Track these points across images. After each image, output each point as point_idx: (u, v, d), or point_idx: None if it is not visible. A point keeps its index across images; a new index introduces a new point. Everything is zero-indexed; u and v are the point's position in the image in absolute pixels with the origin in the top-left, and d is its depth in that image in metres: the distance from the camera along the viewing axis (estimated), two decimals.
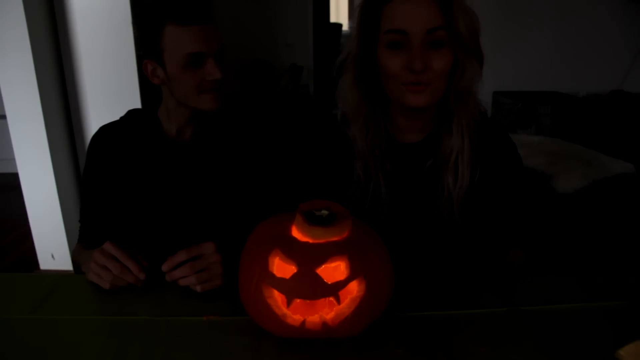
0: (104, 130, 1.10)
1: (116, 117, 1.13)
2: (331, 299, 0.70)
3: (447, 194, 0.97)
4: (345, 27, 5.95)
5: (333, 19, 5.74)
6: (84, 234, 1.12)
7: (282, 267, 0.71)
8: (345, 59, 0.97)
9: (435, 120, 0.99)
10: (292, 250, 0.71)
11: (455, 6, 0.85)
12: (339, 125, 1.03)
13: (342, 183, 1.02)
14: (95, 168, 1.09)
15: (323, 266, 0.70)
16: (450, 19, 0.85)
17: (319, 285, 0.69)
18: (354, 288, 0.71)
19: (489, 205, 1.00)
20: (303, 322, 0.71)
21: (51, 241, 2.27)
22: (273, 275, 0.71)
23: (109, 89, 2.15)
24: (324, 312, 0.71)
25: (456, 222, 0.97)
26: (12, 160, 2.17)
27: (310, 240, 0.72)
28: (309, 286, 0.70)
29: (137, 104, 2.14)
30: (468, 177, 0.96)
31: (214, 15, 0.98)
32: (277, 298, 0.71)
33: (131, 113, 1.14)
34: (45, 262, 2.31)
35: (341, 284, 0.70)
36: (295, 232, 0.74)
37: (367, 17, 0.91)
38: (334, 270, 0.70)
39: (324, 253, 0.70)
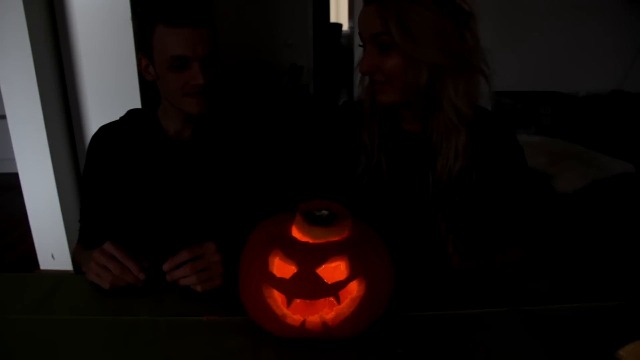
0: (104, 130, 1.10)
1: (116, 117, 1.13)
2: (331, 299, 0.70)
3: (437, 181, 1.00)
4: (345, 27, 5.94)
5: (333, 19, 5.74)
6: (84, 234, 1.12)
7: (282, 267, 0.71)
8: None
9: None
10: (292, 250, 0.71)
11: (389, 13, 0.87)
12: (339, 113, 1.07)
13: (342, 170, 1.04)
14: (95, 168, 1.09)
15: (323, 266, 0.70)
16: (386, 24, 0.88)
17: (319, 285, 0.69)
18: (354, 288, 0.71)
19: (488, 199, 1.02)
20: (303, 322, 0.71)
21: (51, 241, 2.27)
22: (273, 275, 0.71)
23: (109, 89, 2.15)
24: (324, 312, 0.71)
25: (455, 212, 0.99)
26: (12, 160, 2.17)
27: (310, 240, 0.72)
28: (309, 286, 0.70)
29: (137, 104, 2.14)
30: (452, 174, 0.98)
31: (208, 19, 0.97)
32: (277, 298, 0.71)
33: (131, 113, 1.14)
34: (45, 262, 2.31)
35: (341, 284, 0.70)
36: (295, 232, 0.74)
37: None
38: (334, 270, 0.70)
39: (324, 253, 0.70)
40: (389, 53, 0.90)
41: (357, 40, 1.01)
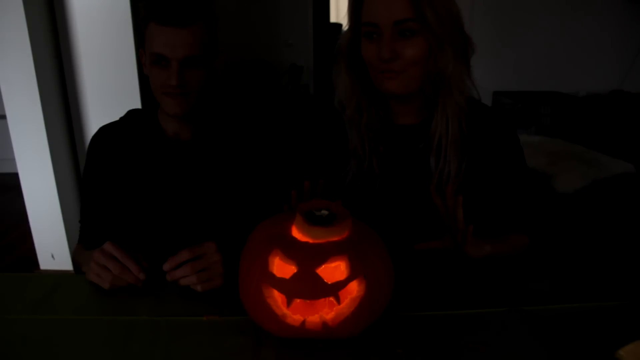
0: (104, 130, 1.10)
1: (116, 117, 1.13)
2: (331, 299, 0.70)
3: (435, 176, 0.99)
4: (345, 27, 5.93)
5: (333, 19, 5.73)
6: (84, 235, 1.12)
7: (282, 267, 0.71)
8: (339, 49, 1.01)
9: (428, 106, 1.01)
10: (292, 250, 0.71)
11: None
12: (336, 112, 1.05)
13: (339, 169, 1.04)
14: (95, 168, 1.09)
15: (323, 266, 0.70)
16: (419, 9, 0.87)
17: (319, 285, 0.69)
18: (354, 288, 0.71)
19: (486, 193, 1.02)
20: (303, 322, 0.71)
21: (51, 241, 2.27)
22: (273, 275, 0.71)
23: (109, 89, 2.15)
24: (324, 312, 0.71)
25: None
26: (12, 160, 2.17)
27: (310, 240, 0.72)
28: (309, 286, 0.70)
29: (137, 104, 2.14)
30: (455, 162, 0.98)
31: (198, 20, 0.96)
32: (277, 298, 0.71)
33: (131, 113, 1.14)
34: (45, 262, 2.31)
35: (341, 284, 0.70)
36: (295, 232, 0.74)
37: (353, 10, 0.96)
38: (334, 270, 0.70)
39: (324, 253, 0.70)
40: (412, 39, 0.89)
41: None
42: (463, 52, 0.95)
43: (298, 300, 0.71)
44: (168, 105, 1.01)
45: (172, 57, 0.95)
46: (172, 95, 0.99)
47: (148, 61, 1.00)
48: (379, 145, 1.01)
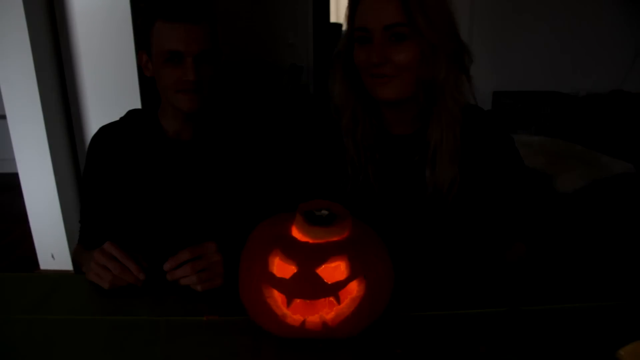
0: (104, 130, 1.10)
1: (116, 117, 1.13)
2: (331, 299, 0.70)
3: (429, 187, 0.98)
4: (345, 27, 5.92)
5: (333, 19, 5.73)
6: (84, 235, 1.12)
7: (282, 267, 0.71)
8: (336, 55, 1.00)
9: (423, 116, 1.00)
10: (292, 250, 0.71)
11: (412, 3, 0.86)
12: (333, 118, 1.04)
13: (337, 176, 1.03)
14: (95, 169, 1.09)
15: (323, 266, 0.70)
16: (409, 14, 0.86)
17: (319, 285, 0.69)
18: (354, 288, 0.71)
19: (484, 199, 1.01)
20: (303, 322, 0.71)
21: (51, 241, 2.27)
22: (273, 275, 0.71)
23: (109, 89, 2.15)
24: (324, 312, 0.71)
25: (447, 215, 0.98)
26: (12, 160, 2.17)
27: (310, 240, 0.72)
28: (309, 286, 0.70)
29: (137, 104, 2.14)
30: (451, 173, 0.96)
31: (206, 17, 0.98)
32: (277, 298, 0.71)
33: (131, 113, 1.14)
34: (45, 262, 2.31)
35: (341, 284, 0.70)
36: (295, 232, 0.74)
37: (348, 15, 0.95)
38: (334, 270, 0.70)
39: (324, 253, 0.70)
40: (403, 44, 0.88)
41: None
42: (459, 60, 0.93)
43: (298, 300, 0.71)
44: (182, 102, 1.00)
45: (187, 52, 0.96)
46: (187, 91, 0.99)
47: (158, 60, 0.99)
48: (375, 155, 1.00)
